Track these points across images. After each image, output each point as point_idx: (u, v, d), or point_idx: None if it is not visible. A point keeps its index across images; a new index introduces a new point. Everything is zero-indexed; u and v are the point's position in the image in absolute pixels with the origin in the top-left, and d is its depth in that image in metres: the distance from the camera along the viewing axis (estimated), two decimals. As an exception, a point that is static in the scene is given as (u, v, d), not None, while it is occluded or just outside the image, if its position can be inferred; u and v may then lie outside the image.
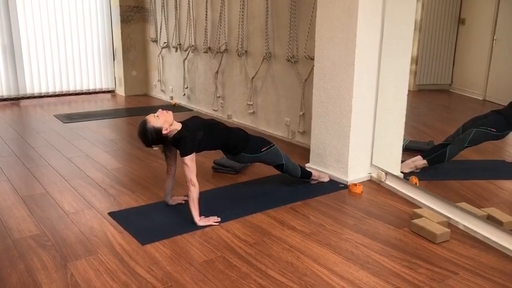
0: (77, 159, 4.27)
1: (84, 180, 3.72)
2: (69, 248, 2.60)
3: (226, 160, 3.79)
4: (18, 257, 2.50)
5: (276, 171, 3.56)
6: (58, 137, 5.08)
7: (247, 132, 3.35)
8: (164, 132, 2.91)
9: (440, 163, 3.80)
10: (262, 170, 3.89)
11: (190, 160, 2.87)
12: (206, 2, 5.90)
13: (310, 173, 3.59)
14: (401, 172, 3.71)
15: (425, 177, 3.63)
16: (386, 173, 3.59)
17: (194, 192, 2.88)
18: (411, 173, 3.71)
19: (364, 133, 3.62)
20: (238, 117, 5.76)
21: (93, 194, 3.42)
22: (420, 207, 3.16)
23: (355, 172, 3.65)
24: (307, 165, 3.89)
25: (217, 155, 3.79)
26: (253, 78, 5.34)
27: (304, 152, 4.30)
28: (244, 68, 5.47)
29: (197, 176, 2.93)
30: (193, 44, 6.41)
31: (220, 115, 6.04)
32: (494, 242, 2.66)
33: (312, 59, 4.04)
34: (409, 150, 4.04)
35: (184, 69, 6.74)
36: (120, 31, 7.61)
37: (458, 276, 2.33)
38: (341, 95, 3.53)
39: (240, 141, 3.24)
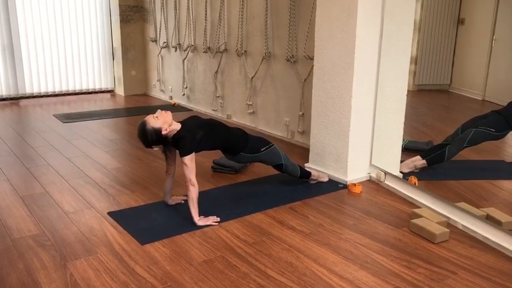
0: (77, 159, 4.27)
1: (84, 180, 3.72)
2: (68, 247, 2.60)
3: (225, 160, 3.79)
4: (18, 256, 2.50)
5: (276, 171, 3.57)
6: (57, 136, 5.08)
7: (247, 132, 3.36)
8: (164, 132, 2.91)
9: (440, 163, 3.81)
10: (261, 169, 3.89)
11: (189, 160, 2.87)
12: (206, 2, 5.90)
13: (309, 173, 3.59)
14: (401, 172, 3.71)
15: (424, 177, 3.63)
16: (386, 173, 3.59)
17: (193, 192, 2.88)
18: (410, 173, 3.71)
19: (364, 133, 3.63)
20: (237, 117, 5.77)
21: (92, 194, 3.42)
22: (419, 207, 3.16)
23: (355, 172, 3.65)
24: (306, 165, 3.90)
25: (217, 155, 3.79)
26: (252, 78, 5.34)
27: (304, 152, 4.30)
28: (244, 68, 5.48)
29: (197, 175, 2.94)
30: (192, 43, 6.41)
31: (219, 115, 6.05)
32: (493, 241, 2.66)
33: (312, 58, 4.04)
34: (408, 150, 4.04)
35: (183, 69, 6.74)
36: (119, 31, 7.61)
37: (457, 276, 2.34)
38: (340, 95, 3.54)
39: (239, 141, 3.24)
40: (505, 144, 4.04)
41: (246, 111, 5.56)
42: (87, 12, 7.65)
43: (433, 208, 3.11)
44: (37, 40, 7.26)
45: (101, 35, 7.85)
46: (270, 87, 5.12)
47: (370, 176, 3.74)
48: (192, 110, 6.58)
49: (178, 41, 6.77)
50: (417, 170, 3.80)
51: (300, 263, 2.45)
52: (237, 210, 3.10)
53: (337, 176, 3.68)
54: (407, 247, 2.64)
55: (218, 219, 2.94)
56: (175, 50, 6.89)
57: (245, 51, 5.42)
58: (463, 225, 2.88)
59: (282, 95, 4.96)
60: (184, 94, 6.87)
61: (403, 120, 3.69)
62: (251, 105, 5.44)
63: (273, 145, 3.39)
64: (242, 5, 5.28)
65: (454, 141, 3.79)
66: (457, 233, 2.83)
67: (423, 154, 3.86)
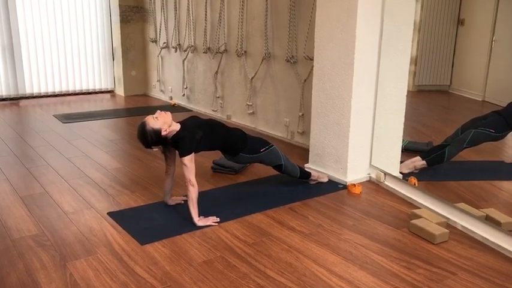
0: (76, 159, 4.27)
1: (84, 180, 3.72)
2: (68, 247, 2.60)
3: (225, 160, 3.79)
4: (18, 256, 2.50)
5: (275, 172, 3.57)
6: (57, 137, 5.08)
7: (246, 133, 3.36)
8: (163, 133, 2.91)
9: (439, 164, 3.81)
10: (261, 170, 3.89)
11: (189, 160, 2.87)
12: (206, 3, 5.90)
13: (309, 174, 3.59)
14: (400, 173, 3.71)
15: (424, 177, 3.63)
16: (386, 174, 3.60)
17: (193, 193, 2.88)
18: (410, 174, 3.71)
19: (363, 133, 3.63)
20: (237, 117, 5.77)
21: (92, 194, 3.42)
22: (419, 208, 3.16)
23: (354, 172, 3.65)
24: (306, 165, 3.90)
25: (217, 155, 3.79)
26: (252, 78, 5.34)
27: (304, 153, 4.31)
28: (244, 69, 5.48)
29: (196, 176, 2.94)
30: (192, 44, 6.42)
31: (219, 115, 6.05)
32: (493, 242, 2.66)
33: (311, 59, 4.05)
34: (408, 150, 4.04)
35: (183, 69, 6.74)
36: (119, 31, 7.61)
37: (457, 277, 2.34)
38: (340, 96, 3.54)
39: (238, 142, 3.24)
40: (504, 145, 4.04)
41: (246, 111, 5.56)
42: (87, 12, 7.65)
43: (432, 209, 3.11)
44: (37, 40, 7.26)
45: (101, 35, 7.85)
46: (270, 88, 5.12)
47: (370, 177, 3.74)
48: (192, 111, 6.58)
49: (178, 42, 6.77)
50: (417, 171, 3.80)
51: (299, 264, 2.46)
52: (236, 211, 3.11)
53: (337, 176, 3.68)
54: (407, 248, 2.64)
55: (218, 219, 2.94)
56: (175, 51, 6.90)
57: (245, 51, 5.42)
58: (462, 226, 2.88)
59: (281, 96, 4.97)
60: (184, 94, 6.87)
61: (402, 120, 3.69)
62: (251, 105, 5.44)
63: (272, 146, 3.39)
64: (242, 5, 5.28)
65: (454, 142, 3.80)
66: (456, 233, 2.83)
67: (423, 155, 3.86)
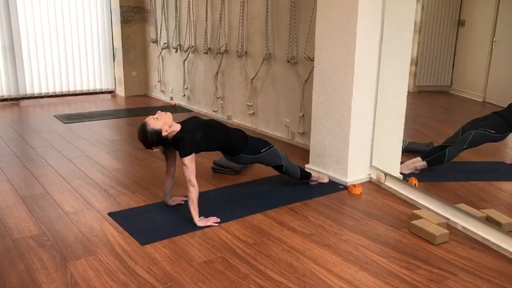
0: (77, 159, 4.28)
1: (84, 180, 3.72)
2: (69, 248, 2.60)
3: (225, 161, 3.80)
4: (18, 257, 2.50)
5: (276, 172, 3.57)
6: (58, 137, 5.09)
7: (246, 133, 3.36)
8: (164, 134, 2.91)
9: (440, 164, 3.81)
10: (261, 170, 3.89)
11: (189, 161, 2.87)
12: (206, 3, 5.91)
13: (309, 174, 3.59)
14: (401, 173, 3.72)
15: (424, 178, 3.63)
16: (386, 174, 3.60)
17: (193, 193, 2.88)
18: (410, 174, 3.71)
19: (364, 134, 3.63)
20: (238, 118, 5.77)
21: (93, 194, 3.42)
22: (419, 209, 3.16)
23: (355, 173, 3.66)
24: (306, 166, 3.90)
25: (217, 155, 3.79)
26: (253, 79, 5.35)
27: (304, 153, 4.31)
28: (244, 69, 5.48)
29: (197, 176, 2.94)
30: (193, 44, 6.42)
31: (220, 116, 6.05)
32: (493, 243, 2.66)
33: (312, 60, 4.05)
34: (408, 151, 4.04)
35: (184, 70, 6.75)
36: (120, 31, 7.62)
37: (457, 278, 2.34)
38: (341, 96, 3.54)
39: (239, 142, 3.24)
40: (505, 145, 4.04)
41: (246, 112, 5.56)
42: (88, 13, 7.66)
43: (433, 209, 3.11)
44: (38, 41, 7.27)
45: (102, 36, 7.86)
46: (271, 89, 5.13)
47: (371, 177, 3.74)
48: (192, 111, 6.59)
49: (179, 42, 6.77)
50: (417, 172, 3.80)
51: (300, 264, 2.46)
52: (237, 211, 3.11)
53: (338, 177, 3.68)
54: (407, 248, 2.64)
55: (218, 220, 2.94)
56: (176, 51, 6.90)
57: (246, 52, 5.42)
58: (463, 227, 2.88)
59: (282, 96, 4.97)
60: (184, 95, 6.88)
61: (403, 121, 3.69)
62: (251, 106, 5.45)
63: (273, 146, 3.39)
64: (243, 6, 5.29)
65: (455, 143, 3.80)
66: (457, 234, 2.83)
67: (423, 155, 3.86)
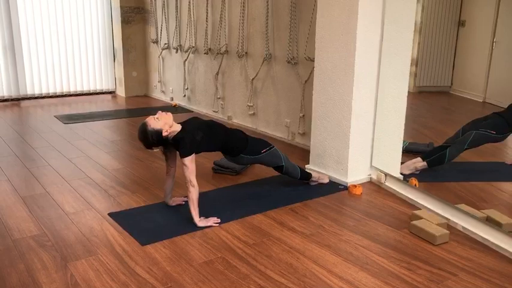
0: (77, 159, 4.28)
1: (85, 180, 3.73)
2: (69, 248, 2.61)
3: (226, 161, 3.80)
4: (19, 257, 2.50)
5: (276, 173, 3.57)
6: (58, 137, 5.09)
7: (246, 134, 3.36)
8: (164, 134, 2.91)
9: (440, 165, 3.81)
10: (262, 171, 3.90)
11: (190, 161, 2.87)
12: (207, 3, 5.91)
13: (309, 174, 3.59)
14: (401, 174, 3.71)
15: (424, 178, 3.63)
16: (386, 175, 3.60)
17: (194, 193, 2.88)
18: (411, 175, 3.71)
19: (364, 134, 3.63)
20: (238, 118, 5.77)
21: (93, 195, 3.42)
22: (420, 209, 3.16)
23: (355, 173, 3.66)
24: (307, 166, 3.90)
25: (217, 156, 3.79)
26: (253, 79, 5.35)
27: (304, 153, 4.31)
28: (245, 69, 5.48)
29: (197, 177, 2.94)
30: (193, 45, 6.42)
31: (220, 116, 6.05)
32: (494, 243, 2.66)
33: (312, 60, 4.05)
34: (408, 152, 4.04)
35: (184, 70, 6.75)
36: (120, 32, 7.62)
37: (458, 278, 2.34)
38: (341, 97, 3.54)
39: (239, 143, 3.24)
40: (505, 146, 4.03)
41: (246, 112, 5.56)
42: (88, 13, 7.66)
43: (433, 210, 3.11)
44: (38, 41, 7.27)
45: (102, 36, 7.87)
46: (271, 89, 5.13)
47: (371, 178, 3.74)
48: (192, 112, 6.59)
49: (179, 43, 6.78)
50: (418, 172, 3.80)
51: (300, 264, 2.46)
52: (237, 212, 3.11)
53: (338, 177, 3.68)
54: (408, 249, 2.64)
55: (219, 220, 2.94)
56: (176, 52, 6.90)
57: (246, 52, 5.43)
58: (463, 227, 2.88)
59: (282, 97, 4.97)
60: (185, 95, 6.88)
61: (403, 121, 3.69)
62: (252, 106, 5.45)
63: (273, 147, 3.39)
64: (243, 6, 5.29)
65: (455, 143, 3.80)
66: (457, 234, 2.83)
67: (424, 156, 3.86)
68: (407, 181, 3.51)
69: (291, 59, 4.69)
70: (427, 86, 4.80)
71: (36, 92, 7.42)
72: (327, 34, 3.58)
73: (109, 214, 3.07)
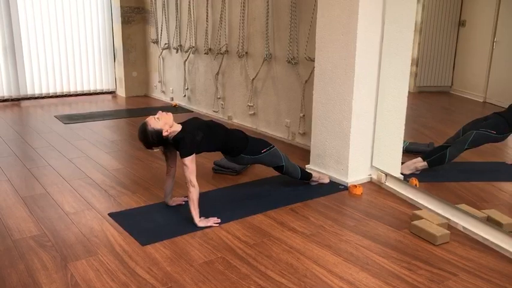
0: (78, 159, 4.28)
1: (85, 180, 3.72)
2: (69, 248, 2.60)
3: (226, 161, 3.80)
4: (19, 257, 2.50)
5: (276, 173, 3.57)
6: (58, 137, 5.09)
7: (247, 134, 3.36)
8: (164, 134, 2.91)
9: (440, 165, 3.81)
10: (262, 171, 3.89)
11: (190, 161, 2.87)
12: (207, 4, 5.91)
13: (310, 175, 3.59)
14: (402, 174, 3.71)
15: (425, 178, 3.63)
16: (387, 175, 3.59)
17: (194, 193, 2.88)
18: (411, 175, 3.71)
19: (365, 134, 3.63)
20: (238, 118, 5.77)
21: (93, 195, 3.42)
22: (420, 209, 3.16)
23: (355, 173, 3.65)
24: (307, 166, 3.90)
25: (218, 156, 3.79)
26: (253, 79, 5.34)
27: (305, 153, 4.31)
28: (245, 70, 5.48)
29: (197, 177, 2.94)
30: (193, 45, 6.42)
31: (220, 116, 6.05)
32: (494, 243, 2.66)
33: (313, 60, 4.05)
34: (409, 152, 4.04)
35: (184, 70, 6.75)
36: (120, 32, 7.62)
37: (458, 278, 2.34)
38: (341, 97, 3.54)
39: (239, 143, 3.24)
40: (506, 146, 4.03)
41: (247, 112, 5.56)
42: (89, 13, 7.67)
43: (433, 210, 3.10)
44: (38, 41, 7.27)
45: (102, 36, 7.87)
46: (271, 89, 5.13)
47: (371, 178, 3.74)
48: (193, 112, 6.59)
49: (180, 43, 6.77)
50: (418, 172, 3.79)
51: (300, 265, 2.45)
52: (237, 212, 3.11)
53: (338, 177, 3.68)
54: (408, 249, 2.64)
55: (219, 220, 2.94)
56: (177, 52, 6.90)
57: (246, 52, 5.42)
58: (463, 227, 2.87)
59: (282, 97, 4.97)
60: (185, 95, 6.88)
61: (403, 121, 3.69)
62: (252, 106, 5.45)
63: (273, 146, 3.39)
64: (243, 6, 5.29)
65: (455, 143, 3.79)
66: (457, 234, 2.82)
67: (424, 156, 3.86)
68: (408, 181, 3.50)
69: (291, 59, 4.69)
70: (427, 86, 4.80)
71: (37, 92, 7.43)
72: (327, 34, 3.58)
73: (109, 214, 3.07)
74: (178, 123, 3.03)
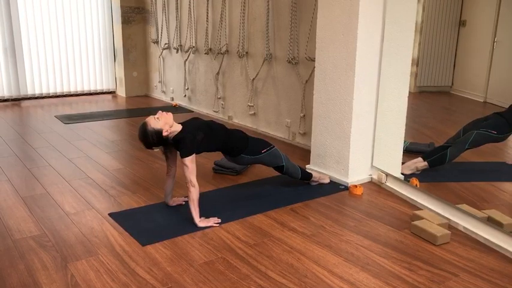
0: (78, 160, 4.28)
1: (85, 180, 3.72)
2: (69, 248, 2.60)
3: (226, 161, 3.79)
4: (19, 257, 2.50)
5: (276, 173, 3.56)
6: (59, 137, 5.09)
7: (247, 134, 3.36)
8: (165, 134, 2.91)
9: (441, 165, 3.80)
10: (262, 171, 3.89)
11: (190, 161, 2.87)
12: (207, 3, 5.91)
13: (310, 175, 3.58)
14: (402, 174, 3.71)
15: (425, 179, 3.62)
16: (387, 175, 3.59)
17: (194, 193, 2.88)
18: (412, 175, 3.71)
19: (365, 134, 3.62)
20: (238, 118, 5.77)
21: (93, 195, 3.42)
22: (421, 209, 3.15)
23: (356, 173, 3.65)
24: (307, 166, 3.89)
25: (218, 156, 3.79)
26: (254, 79, 5.34)
27: (305, 153, 4.30)
28: (245, 69, 5.48)
29: (198, 177, 2.93)
30: (194, 45, 6.42)
31: (221, 116, 6.05)
32: (495, 243, 2.66)
33: (313, 60, 4.05)
34: (409, 152, 4.04)
35: (185, 70, 6.75)
36: (121, 32, 7.62)
37: (459, 278, 2.33)
38: (342, 97, 3.54)
39: (239, 142, 3.24)
40: (506, 146, 4.03)
41: (247, 112, 5.56)
42: (89, 13, 7.67)
43: (434, 210, 3.10)
44: (39, 41, 7.27)
45: (103, 36, 7.87)
46: (271, 89, 5.12)
47: (372, 178, 3.73)
48: (193, 112, 6.59)
49: (180, 43, 6.77)
50: (418, 172, 3.79)
51: (300, 265, 2.45)
52: (237, 212, 3.10)
53: (338, 177, 3.68)
54: (409, 249, 2.64)
55: (219, 220, 2.94)
56: (177, 52, 6.90)
57: (246, 52, 5.42)
58: (464, 227, 2.87)
59: (283, 97, 4.97)
60: (185, 95, 6.88)
61: (404, 121, 3.69)
62: (252, 106, 5.44)
63: (273, 147, 3.39)
64: (243, 6, 5.29)
65: (456, 144, 3.79)
66: (458, 235, 2.82)
67: (424, 156, 3.86)
68: (408, 181, 3.50)
69: (292, 59, 4.68)
70: (427, 86, 4.80)
71: (37, 92, 7.43)
72: (327, 34, 3.57)
73: (109, 214, 3.07)
74: (178, 123, 3.03)
